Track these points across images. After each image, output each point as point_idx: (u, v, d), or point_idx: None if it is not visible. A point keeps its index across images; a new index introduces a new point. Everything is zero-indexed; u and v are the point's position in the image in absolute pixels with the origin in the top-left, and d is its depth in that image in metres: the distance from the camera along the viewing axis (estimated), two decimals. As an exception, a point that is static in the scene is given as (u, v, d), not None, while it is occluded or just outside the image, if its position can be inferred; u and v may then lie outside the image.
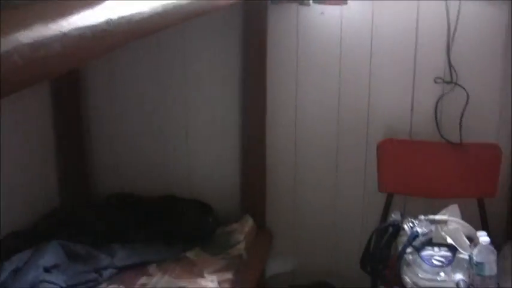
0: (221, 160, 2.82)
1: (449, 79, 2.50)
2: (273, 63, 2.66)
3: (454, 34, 2.45)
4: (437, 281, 2.02)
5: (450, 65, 2.48)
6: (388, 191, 2.54)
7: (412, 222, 2.15)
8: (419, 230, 2.11)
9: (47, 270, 2.11)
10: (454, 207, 2.23)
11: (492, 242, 2.05)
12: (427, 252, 2.08)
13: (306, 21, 2.60)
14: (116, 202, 2.75)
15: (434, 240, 2.11)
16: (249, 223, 2.67)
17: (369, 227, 2.42)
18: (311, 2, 2.51)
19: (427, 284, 2.02)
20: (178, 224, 2.58)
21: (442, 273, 2.02)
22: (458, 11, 2.41)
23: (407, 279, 2.06)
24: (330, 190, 2.77)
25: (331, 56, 2.62)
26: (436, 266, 2.04)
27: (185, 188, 2.81)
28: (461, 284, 1.97)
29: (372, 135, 2.65)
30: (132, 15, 1.01)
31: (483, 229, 2.29)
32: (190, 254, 2.42)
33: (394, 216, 2.24)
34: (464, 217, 2.22)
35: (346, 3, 2.51)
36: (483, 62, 2.52)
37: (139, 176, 2.86)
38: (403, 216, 2.20)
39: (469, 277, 2.04)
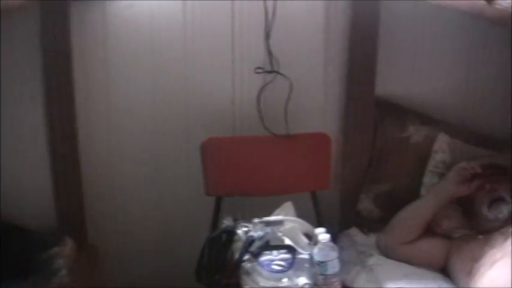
0: (29, 173, 2.49)
1: (270, 68, 2.37)
2: (81, 64, 2.41)
3: (272, 21, 2.33)
4: (280, 287, 1.87)
5: (270, 54, 2.36)
6: (217, 194, 2.37)
7: (246, 227, 2.01)
8: (254, 234, 1.97)
9: None
10: (288, 205, 2.12)
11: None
12: (265, 257, 1.93)
13: (114, 16, 2.39)
14: None
15: (271, 243, 1.97)
16: (69, 244, 2.35)
17: (202, 235, 2.21)
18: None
19: (270, 292, 1.88)
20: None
21: (284, 279, 1.88)
22: (275, -3, 2.31)
23: (248, 289, 1.90)
24: (154, 197, 2.59)
25: (143, 51, 2.44)
26: (277, 271, 1.90)
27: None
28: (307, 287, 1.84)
29: (193, 133, 2.48)
30: None
31: (318, 223, 2.24)
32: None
33: (226, 221, 2.08)
34: (299, 213, 2.11)
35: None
36: (304, 49, 2.46)
37: None
38: (236, 221, 2.05)
39: (312, 277, 1.92)
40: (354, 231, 2.44)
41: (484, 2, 1.86)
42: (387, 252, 2.26)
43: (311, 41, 2.46)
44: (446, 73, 2.60)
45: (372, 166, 2.52)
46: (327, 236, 1.93)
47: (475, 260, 2.00)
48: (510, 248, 1.90)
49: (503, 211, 2.13)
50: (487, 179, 2.21)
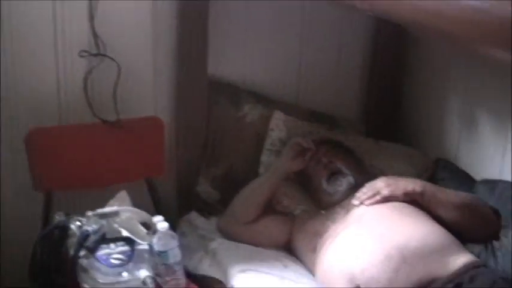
0: None
1: (96, 51, 2.24)
2: None
3: (96, 1, 2.21)
4: (120, 282, 1.77)
5: (95, 36, 2.23)
6: (46, 189, 2.20)
7: (80, 221, 1.87)
8: (89, 228, 1.84)
9: None
10: (123, 195, 2.02)
11: (169, 224, 1.90)
12: (102, 251, 1.82)
13: None
14: None
15: (108, 236, 1.86)
16: None
17: (34, 233, 2.04)
18: None
19: (110, 288, 1.78)
20: None
21: (124, 273, 1.79)
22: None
23: (86, 287, 1.77)
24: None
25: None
26: (116, 265, 1.80)
27: None
28: (148, 281, 1.76)
29: (17, 125, 2.28)
30: None
31: (156, 211, 2.17)
32: None
33: (58, 217, 1.93)
34: (135, 202, 2.02)
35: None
36: (132, 30, 2.35)
37: None
38: (69, 215, 1.91)
39: (153, 268, 1.85)
40: (194, 216, 2.38)
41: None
42: (229, 235, 2.24)
43: (138, 22, 2.35)
44: (279, 52, 2.62)
45: (208, 148, 2.48)
46: (166, 224, 1.87)
47: (318, 235, 2.03)
48: (350, 220, 1.95)
49: (343, 184, 2.18)
50: (323, 153, 2.26)
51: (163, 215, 1.93)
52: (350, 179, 2.18)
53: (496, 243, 1.92)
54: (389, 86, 2.79)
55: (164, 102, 2.44)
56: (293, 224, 2.20)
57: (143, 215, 1.98)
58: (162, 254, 1.84)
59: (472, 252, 1.87)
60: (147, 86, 2.41)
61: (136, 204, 2.01)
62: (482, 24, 1.14)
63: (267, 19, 2.54)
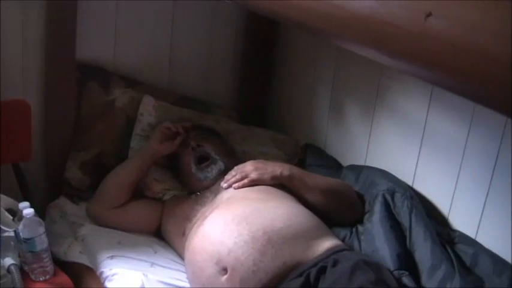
0: None
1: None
2: None
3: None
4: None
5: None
6: None
7: None
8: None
9: None
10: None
11: (37, 211, 1.85)
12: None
13: None
14: None
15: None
16: None
17: None
18: None
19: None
20: None
21: (-12, 261, 1.73)
22: None
23: None
24: None
25: None
26: (-21, 254, 1.74)
27: None
28: (13, 269, 1.72)
29: None
30: None
31: (24, 197, 2.09)
32: None
33: None
34: (2, 188, 1.97)
35: None
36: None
37: None
38: None
39: (19, 256, 1.81)
40: (63, 202, 2.31)
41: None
42: (98, 220, 2.20)
43: (6, 4, 2.21)
44: (150, 37, 2.59)
45: (77, 132, 2.41)
46: (31, 211, 1.82)
47: (188, 219, 2.04)
48: (218, 203, 1.97)
49: (212, 170, 2.19)
50: (192, 138, 2.28)
51: (31, 201, 1.87)
52: (220, 165, 2.20)
53: (360, 227, 2.00)
54: (261, 74, 2.86)
55: (32, 86, 2.34)
56: (163, 208, 2.21)
57: (8, 201, 1.92)
58: (28, 241, 1.80)
59: (338, 236, 1.94)
60: (15, 69, 2.31)
61: (2, 190, 1.94)
62: (344, 19, 1.21)
63: (139, 3, 2.51)
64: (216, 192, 2.07)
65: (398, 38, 1.06)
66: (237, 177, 2.05)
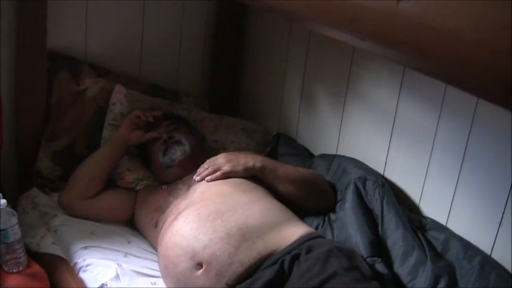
0: None
1: None
2: None
3: None
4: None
5: None
6: None
7: None
8: None
9: None
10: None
11: (9, 202, 1.84)
12: None
13: None
14: None
15: None
16: None
17: None
18: None
19: None
20: None
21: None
22: None
23: None
24: None
25: None
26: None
27: None
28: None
29: None
30: None
31: None
32: None
33: None
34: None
35: None
36: None
37: None
38: None
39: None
40: (35, 192, 2.30)
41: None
42: (70, 211, 2.18)
43: None
44: (120, 26, 2.58)
45: (49, 122, 2.39)
46: (4, 201, 1.80)
47: (160, 210, 2.05)
48: (192, 198, 1.97)
49: (177, 152, 2.19)
50: (163, 128, 2.27)
51: (3, 192, 1.86)
52: (185, 148, 2.20)
53: (332, 216, 2.02)
54: (232, 63, 2.86)
55: (3, 76, 2.31)
56: (135, 199, 2.20)
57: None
58: (1, 232, 1.78)
59: (311, 225, 1.96)
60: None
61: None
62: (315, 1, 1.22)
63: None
64: (189, 184, 2.07)
65: (371, 19, 1.07)
66: (210, 170, 2.05)
